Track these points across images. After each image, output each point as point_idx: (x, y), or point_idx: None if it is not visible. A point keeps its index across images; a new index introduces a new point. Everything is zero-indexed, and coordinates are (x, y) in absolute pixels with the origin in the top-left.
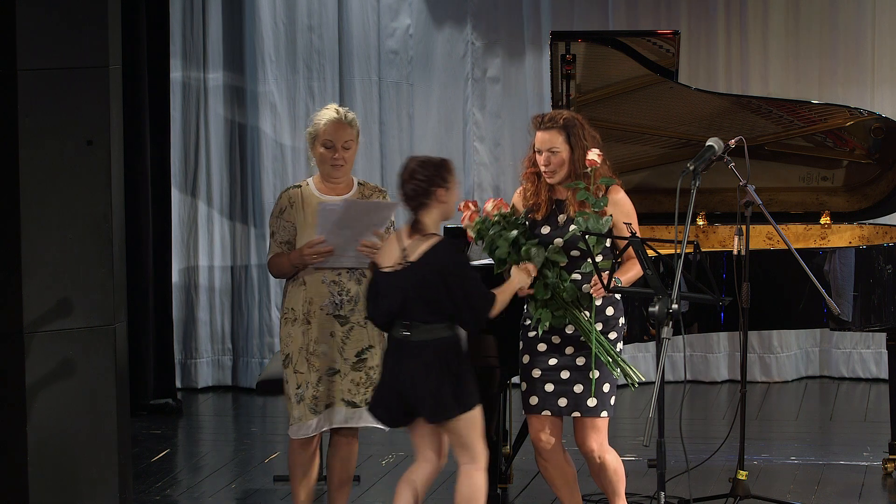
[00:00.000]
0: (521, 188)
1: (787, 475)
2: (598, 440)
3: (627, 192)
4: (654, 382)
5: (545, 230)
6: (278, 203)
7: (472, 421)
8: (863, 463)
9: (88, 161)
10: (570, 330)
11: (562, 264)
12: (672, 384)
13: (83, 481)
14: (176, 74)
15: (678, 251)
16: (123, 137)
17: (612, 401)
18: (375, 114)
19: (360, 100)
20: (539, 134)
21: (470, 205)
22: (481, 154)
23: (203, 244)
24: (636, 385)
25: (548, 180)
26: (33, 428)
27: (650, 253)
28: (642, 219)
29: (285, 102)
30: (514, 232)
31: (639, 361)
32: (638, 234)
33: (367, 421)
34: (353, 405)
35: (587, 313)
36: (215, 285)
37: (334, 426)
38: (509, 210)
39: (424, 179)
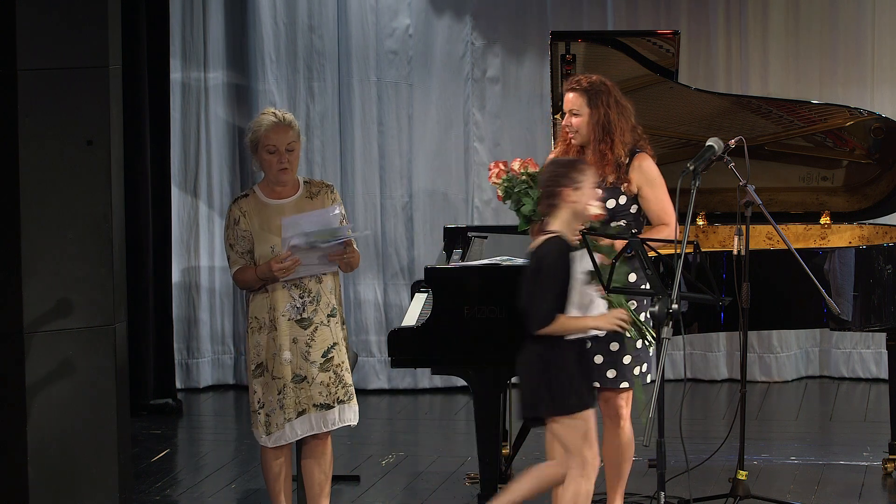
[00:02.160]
0: (555, 150)
1: (787, 475)
2: (626, 399)
3: None
4: (654, 382)
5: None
6: (230, 215)
7: (573, 425)
8: (863, 463)
9: (88, 161)
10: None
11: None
12: (672, 382)
13: (83, 481)
14: (176, 74)
15: (678, 251)
16: (123, 137)
17: (637, 370)
18: (374, 114)
19: (359, 100)
20: (565, 95)
21: (500, 164)
22: (481, 154)
23: (203, 244)
24: (650, 343)
25: (572, 142)
26: (33, 428)
27: (650, 253)
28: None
29: (285, 102)
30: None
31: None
32: (666, 198)
33: (343, 420)
34: (327, 407)
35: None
36: (216, 285)
37: (313, 432)
38: (538, 170)
39: (551, 179)
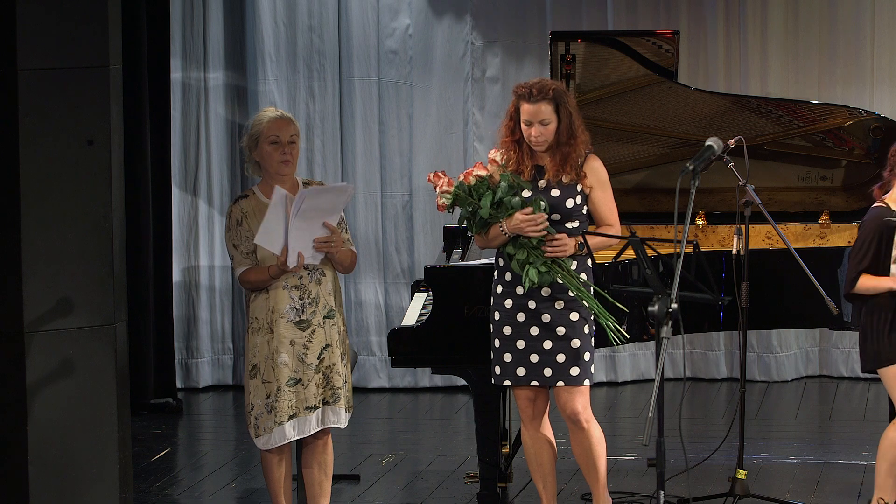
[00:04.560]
0: (495, 155)
1: (786, 474)
2: (583, 402)
3: (627, 192)
4: (654, 381)
5: (526, 195)
6: (231, 216)
7: (888, 376)
8: (862, 462)
9: (88, 161)
10: (545, 293)
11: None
12: (671, 381)
13: (83, 481)
14: (176, 74)
15: (678, 251)
16: (123, 137)
17: (593, 368)
18: (375, 114)
19: (359, 100)
20: (528, 106)
21: (439, 173)
22: (481, 154)
23: (203, 243)
24: (620, 342)
25: (537, 149)
26: (33, 428)
27: (650, 252)
28: (642, 218)
29: (285, 102)
30: (504, 185)
31: (639, 359)
32: (613, 200)
33: (325, 422)
34: (313, 408)
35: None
36: (216, 285)
37: (300, 436)
38: (487, 175)
39: None
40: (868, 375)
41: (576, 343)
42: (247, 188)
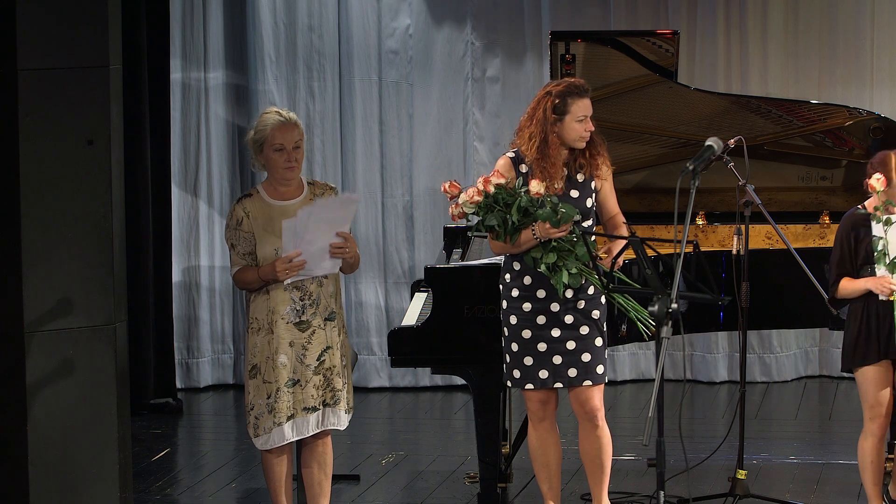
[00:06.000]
0: (506, 163)
1: (786, 474)
2: (601, 399)
3: (627, 192)
4: (654, 381)
5: (575, 194)
6: (233, 215)
7: (859, 380)
8: None
9: (88, 161)
10: (569, 294)
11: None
12: (672, 382)
13: (83, 481)
14: (176, 74)
15: (678, 251)
16: (123, 137)
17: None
18: (375, 114)
19: (359, 100)
20: (584, 101)
21: (455, 184)
22: (481, 154)
23: (204, 244)
24: (649, 336)
25: (579, 146)
26: (33, 428)
27: (650, 252)
28: (642, 218)
29: (285, 102)
30: (523, 200)
31: (639, 359)
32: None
33: (325, 424)
34: (313, 410)
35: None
36: (216, 285)
37: (298, 437)
38: (504, 183)
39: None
40: None
41: (599, 341)
42: (247, 188)
